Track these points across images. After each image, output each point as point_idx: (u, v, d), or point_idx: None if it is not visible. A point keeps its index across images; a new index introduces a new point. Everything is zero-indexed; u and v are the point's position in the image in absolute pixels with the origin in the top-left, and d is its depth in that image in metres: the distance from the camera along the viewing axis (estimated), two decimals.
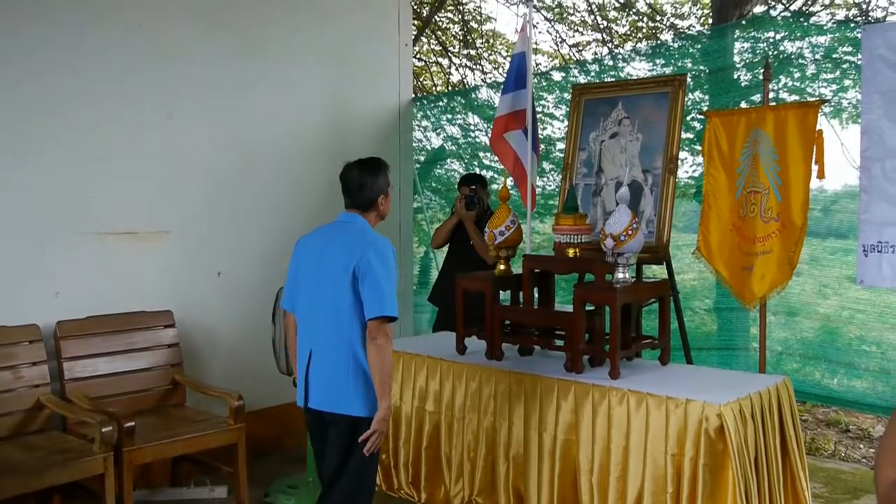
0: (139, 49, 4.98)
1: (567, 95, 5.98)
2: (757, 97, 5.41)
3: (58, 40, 4.64)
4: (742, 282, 4.73)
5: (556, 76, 7.39)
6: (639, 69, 6.38)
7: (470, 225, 5.57)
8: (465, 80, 13.98)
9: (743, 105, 5.68)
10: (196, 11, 5.27)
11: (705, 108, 5.74)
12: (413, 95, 7.09)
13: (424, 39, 13.63)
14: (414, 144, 7.28)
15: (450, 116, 7.74)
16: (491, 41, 14.25)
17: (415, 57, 12.04)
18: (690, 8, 12.54)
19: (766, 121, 4.63)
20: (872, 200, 4.43)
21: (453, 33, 14.22)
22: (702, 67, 6.05)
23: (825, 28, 5.69)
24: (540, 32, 13.63)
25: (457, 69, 14.38)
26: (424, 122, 7.79)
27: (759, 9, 8.69)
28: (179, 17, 5.18)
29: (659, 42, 10.69)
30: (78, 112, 4.73)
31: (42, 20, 4.58)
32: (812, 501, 4.16)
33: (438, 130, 7.85)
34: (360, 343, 3.32)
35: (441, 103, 8.03)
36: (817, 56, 5.55)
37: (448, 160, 7.97)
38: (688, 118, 5.79)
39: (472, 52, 14.05)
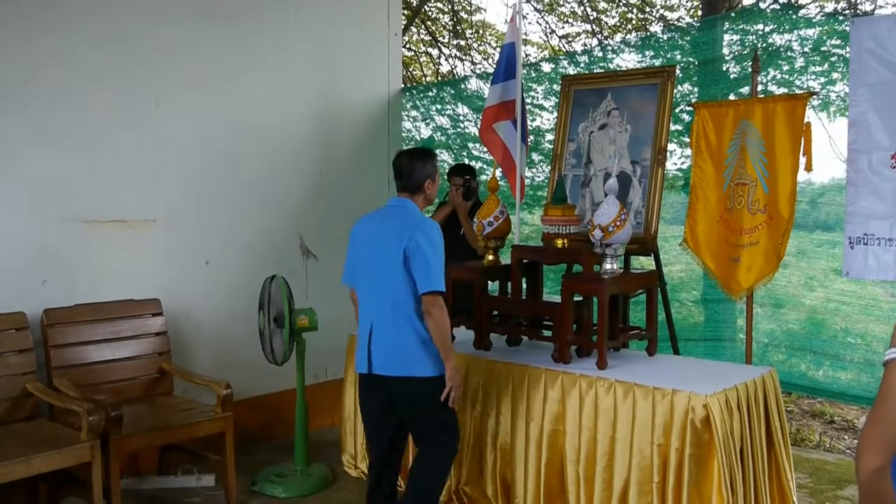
0: (127, 39, 4.95)
1: (557, 87, 5.98)
2: (746, 89, 5.42)
3: (46, 32, 4.61)
4: (729, 273, 4.76)
5: (546, 67, 7.38)
6: (628, 60, 6.39)
7: (463, 214, 5.58)
8: (454, 71, 13.96)
9: (732, 97, 5.70)
10: (185, 1, 5.24)
11: (694, 101, 5.75)
12: (402, 85, 7.08)
13: (414, 29, 13.59)
14: (403, 134, 7.26)
15: (439, 107, 7.73)
16: (481, 32, 14.23)
17: (404, 47, 12.01)
18: (680, 0, 12.55)
19: (755, 113, 4.64)
20: (859, 193, 4.45)
21: (443, 23, 14.19)
22: (691, 59, 6.06)
23: (814, 21, 5.71)
24: (530, 23, 13.64)
25: (446, 59, 14.37)
26: (414, 113, 7.78)
27: (748, 1, 8.72)
28: (168, 7, 5.15)
29: (648, 34, 10.69)
30: (66, 101, 4.70)
31: (30, 13, 4.54)
32: (797, 491, 4.19)
33: (428, 121, 7.84)
34: (416, 314, 3.70)
35: (430, 93, 8.02)
36: (806, 49, 5.57)
37: (437, 150, 7.97)
38: (676, 110, 5.80)
39: (462, 43, 14.02)
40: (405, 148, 3.95)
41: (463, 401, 4.40)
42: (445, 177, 5.86)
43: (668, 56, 6.09)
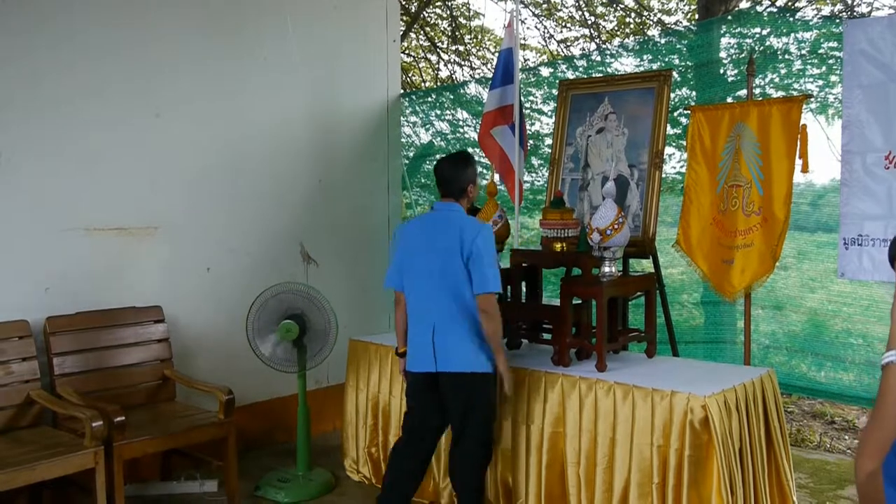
0: (127, 50, 4.98)
1: (555, 91, 6.00)
2: (743, 93, 5.45)
3: (47, 44, 4.64)
4: (722, 275, 4.78)
5: (545, 72, 7.40)
6: (626, 65, 6.41)
7: None
8: (453, 76, 13.99)
9: (729, 100, 5.72)
10: (184, 11, 5.27)
11: (691, 104, 5.77)
12: (401, 91, 7.11)
13: (413, 35, 13.63)
14: (402, 140, 7.29)
15: (438, 112, 7.75)
16: (479, 37, 14.26)
17: (403, 52, 12.06)
18: (677, 3, 12.58)
19: (750, 115, 4.67)
20: (853, 194, 4.47)
21: (441, 29, 14.22)
22: (688, 63, 6.08)
23: (811, 24, 5.73)
24: (528, 28, 13.69)
25: (445, 65, 14.39)
26: (413, 118, 7.80)
27: (745, 4, 8.74)
28: (168, 17, 5.18)
29: (646, 38, 10.72)
30: (67, 112, 4.73)
31: (31, 25, 4.58)
32: (797, 492, 4.20)
33: (427, 126, 7.86)
34: (475, 314, 3.86)
35: (430, 99, 8.04)
36: (803, 52, 5.59)
37: (437, 156, 7.98)
38: (674, 114, 5.82)
39: (461, 48, 14.06)
40: (443, 156, 4.11)
41: None
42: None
43: (666, 60, 6.12)
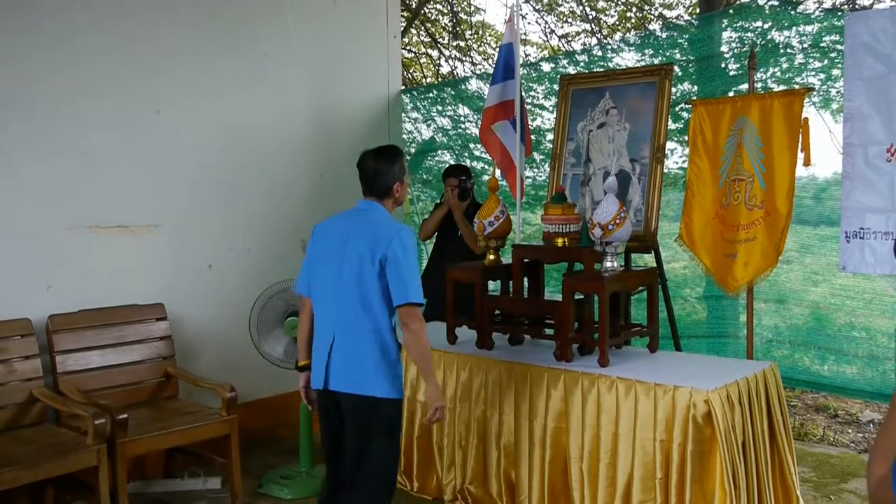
0: (128, 47, 4.98)
1: (556, 86, 6.00)
2: (745, 87, 5.44)
3: (48, 43, 4.63)
4: (724, 269, 4.77)
5: (546, 67, 7.40)
6: (628, 59, 6.41)
7: (459, 215, 5.61)
8: (454, 72, 13.98)
9: (731, 94, 5.71)
10: (184, 7, 5.26)
11: (693, 98, 5.76)
12: (402, 87, 7.10)
13: (414, 31, 13.62)
14: (404, 136, 7.29)
15: (440, 108, 7.75)
16: (480, 32, 14.25)
17: (404, 48, 12.05)
18: None
19: (752, 109, 4.66)
20: (855, 187, 4.46)
21: (443, 24, 14.21)
22: (690, 57, 6.07)
23: (812, 17, 5.72)
24: (529, 23, 13.65)
25: (446, 60, 14.38)
26: (414, 114, 7.80)
27: None
28: (167, 14, 5.17)
29: (647, 32, 10.70)
30: (68, 109, 4.73)
31: (32, 24, 4.57)
32: (800, 485, 4.20)
33: (428, 122, 7.86)
34: (388, 328, 3.41)
35: (431, 94, 8.04)
36: (805, 45, 5.58)
37: (438, 151, 7.99)
38: (676, 109, 5.82)
39: (462, 44, 14.05)
40: (368, 149, 3.66)
41: (465, 400, 4.42)
42: (441, 178, 5.89)
43: (668, 54, 6.11)
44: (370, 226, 3.47)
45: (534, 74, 7.16)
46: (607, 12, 13.15)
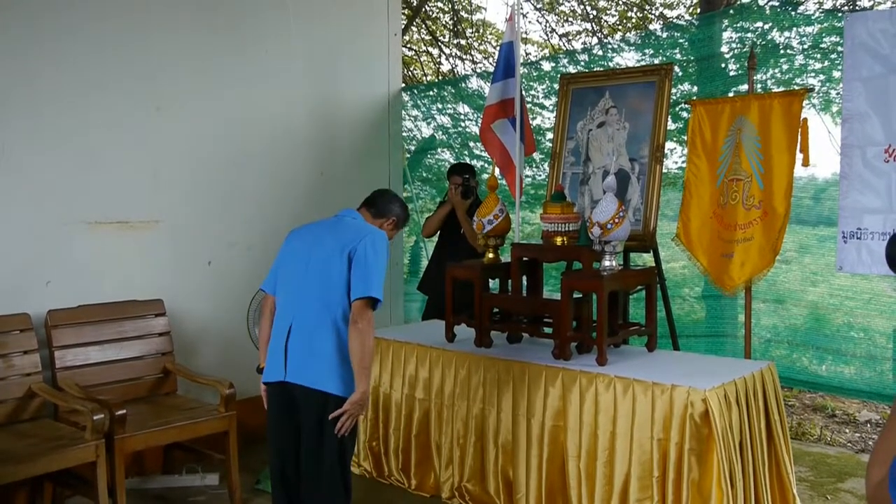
0: (128, 43, 4.98)
1: (556, 85, 6.00)
2: (744, 87, 5.44)
3: (48, 38, 4.63)
4: (721, 269, 4.78)
5: (546, 66, 7.41)
6: (628, 59, 6.41)
7: (462, 213, 5.62)
8: (455, 70, 13.98)
9: (731, 95, 5.72)
10: (184, 4, 5.27)
11: (693, 98, 5.77)
12: (403, 85, 7.10)
13: (414, 29, 13.62)
14: (404, 134, 7.30)
15: (440, 106, 7.76)
16: (481, 31, 14.25)
17: (404, 46, 12.04)
18: None
19: (751, 109, 4.67)
20: (853, 187, 4.47)
21: (443, 23, 14.21)
22: (690, 57, 6.08)
23: (812, 18, 5.72)
24: (530, 22, 13.67)
25: (447, 59, 14.38)
26: (414, 112, 7.80)
27: None
28: (168, 10, 5.17)
29: (648, 32, 10.71)
30: (68, 105, 4.73)
31: (32, 19, 4.58)
32: (797, 485, 4.20)
33: (429, 120, 7.87)
34: (345, 324, 3.38)
35: (431, 93, 8.04)
36: (805, 46, 5.58)
37: (438, 150, 8.00)
38: (676, 109, 5.82)
39: (463, 42, 14.04)
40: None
41: (463, 398, 4.43)
42: (446, 176, 5.89)
43: (668, 54, 6.12)
44: (344, 227, 3.56)
45: (534, 73, 7.17)
46: (608, 12, 13.15)
